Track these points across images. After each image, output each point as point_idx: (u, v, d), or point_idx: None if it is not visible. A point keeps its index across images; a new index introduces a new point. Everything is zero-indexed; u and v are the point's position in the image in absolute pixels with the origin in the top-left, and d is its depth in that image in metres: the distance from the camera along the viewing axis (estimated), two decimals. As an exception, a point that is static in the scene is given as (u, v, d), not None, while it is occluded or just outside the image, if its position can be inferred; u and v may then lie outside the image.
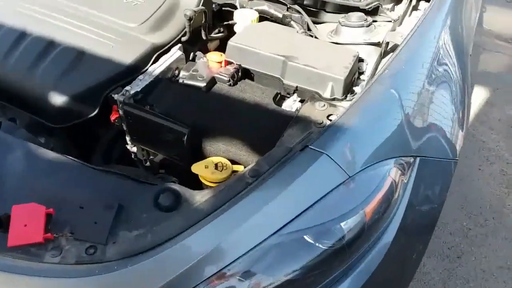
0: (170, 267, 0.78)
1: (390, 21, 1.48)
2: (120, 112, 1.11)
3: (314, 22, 1.57)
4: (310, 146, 0.90)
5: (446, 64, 1.27)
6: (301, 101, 1.20)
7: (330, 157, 0.88)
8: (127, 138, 1.18)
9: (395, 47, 1.26)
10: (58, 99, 1.16)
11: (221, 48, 1.61)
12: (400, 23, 1.42)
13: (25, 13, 1.32)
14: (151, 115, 1.05)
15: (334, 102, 1.07)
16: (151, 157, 1.19)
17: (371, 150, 0.95)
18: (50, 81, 1.18)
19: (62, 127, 1.18)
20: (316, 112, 1.04)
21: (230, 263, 0.80)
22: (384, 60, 1.25)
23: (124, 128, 1.15)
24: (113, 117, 1.19)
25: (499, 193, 2.36)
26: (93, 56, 1.21)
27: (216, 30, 1.54)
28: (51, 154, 0.94)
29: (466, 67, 1.49)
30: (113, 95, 1.11)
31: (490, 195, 2.33)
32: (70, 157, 0.95)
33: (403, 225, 1.05)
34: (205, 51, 1.49)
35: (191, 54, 1.39)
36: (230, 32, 1.59)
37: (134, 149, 1.21)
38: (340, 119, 0.95)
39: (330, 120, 1.02)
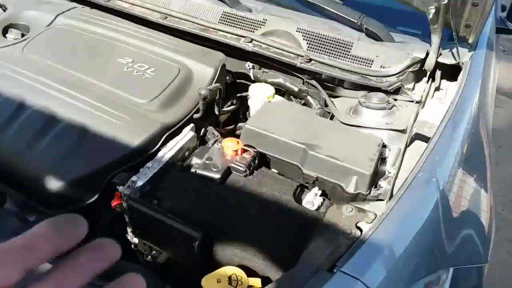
0: None
1: (412, 102, 1.42)
2: (124, 205, 1.01)
3: (331, 96, 1.51)
4: (341, 269, 0.79)
5: (480, 155, 1.19)
6: (323, 193, 1.10)
7: (365, 284, 0.77)
8: (129, 230, 1.07)
9: (421, 136, 1.18)
10: (55, 182, 1.05)
11: (232, 119, 1.54)
12: (423, 106, 1.36)
13: (25, 82, 1.24)
14: (159, 214, 0.94)
15: (361, 206, 0.96)
16: (154, 252, 1.07)
17: (408, 272, 0.84)
18: (48, 162, 1.08)
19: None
20: (344, 218, 0.93)
21: None
22: (410, 150, 1.17)
23: (126, 220, 1.04)
24: (114, 203, 1.08)
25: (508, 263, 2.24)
26: (97, 136, 1.12)
27: (229, 103, 1.46)
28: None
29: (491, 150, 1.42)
30: (118, 187, 1.01)
31: (500, 264, 2.21)
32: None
33: None
34: (216, 124, 1.42)
35: (202, 130, 1.30)
36: (242, 104, 1.52)
37: (135, 240, 1.09)
38: (372, 234, 0.85)
39: (359, 228, 0.91)
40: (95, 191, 1.07)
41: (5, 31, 1.51)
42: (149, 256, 1.09)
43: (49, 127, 1.14)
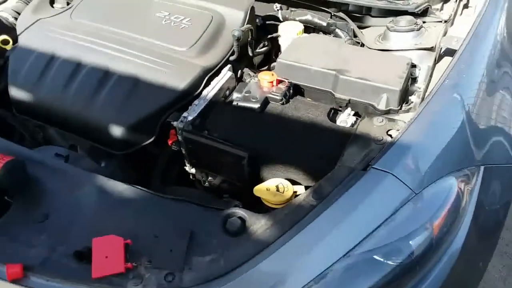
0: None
1: (440, 22, 1.43)
2: (179, 138, 1.15)
3: (359, 27, 1.55)
4: (373, 166, 0.89)
5: (506, 65, 1.21)
6: (356, 114, 1.19)
7: (395, 176, 0.87)
8: (186, 162, 1.22)
9: (449, 51, 1.22)
10: (117, 128, 1.21)
11: (265, 61, 1.63)
12: (452, 24, 1.37)
13: (78, 44, 1.38)
14: (210, 141, 1.08)
15: (392, 116, 1.05)
16: (210, 178, 1.22)
17: (436, 165, 0.93)
18: (109, 111, 1.24)
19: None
20: (375, 128, 1.03)
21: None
22: (440, 66, 1.21)
23: (183, 152, 1.19)
24: (170, 141, 1.23)
25: None
26: (149, 83, 1.26)
27: (261, 45, 1.55)
28: (121, 186, 0.99)
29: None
30: (172, 122, 1.15)
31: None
32: (140, 188, 1.00)
33: (470, 234, 1.02)
34: (252, 65, 1.51)
35: (239, 72, 1.41)
36: (274, 45, 1.60)
37: (193, 170, 1.25)
38: (402, 136, 0.94)
39: (390, 136, 1.01)
40: (153, 132, 1.23)
41: (52, 2, 1.65)
42: (206, 183, 1.24)
43: (105, 80, 1.29)
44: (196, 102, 1.20)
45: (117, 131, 1.21)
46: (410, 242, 0.88)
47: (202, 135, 1.10)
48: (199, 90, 1.27)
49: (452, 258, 0.99)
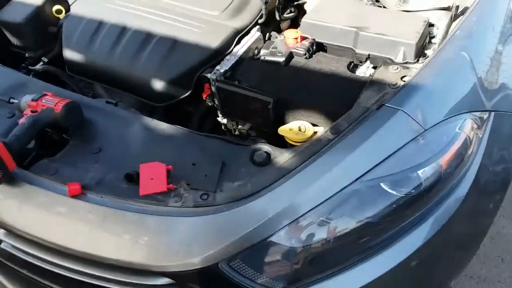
0: (267, 209, 0.93)
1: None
2: (213, 88, 1.29)
3: (382, -8, 1.62)
4: (386, 104, 0.99)
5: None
6: (374, 67, 1.28)
7: (406, 112, 0.97)
8: (219, 112, 1.36)
9: (465, 9, 1.29)
10: (159, 82, 1.36)
11: (293, 26, 1.73)
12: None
13: (123, 10, 1.53)
14: (240, 89, 1.21)
15: (407, 65, 1.14)
16: (240, 126, 1.35)
17: (445, 106, 1.02)
18: (151, 68, 1.39)
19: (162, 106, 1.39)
20: (390, 74, 1.12)
21: (315, 207, 0.92)
22: (455, 23, 1.28)
23: (216, 103, 1.33)
24: (205, 95, 1.37)
25: None
26: (185, 43, 1.40)
27: (288, 10, 1.65)
28: (163, 125, 1.14)
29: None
30: (206, 75, 1.29)
31: None
32: (179, 126, 1.14)
33: (477, 179, 1.10)
34: (279, 30, 1.62)
35: (267, 35, 1.52)
36: (300, 11, 1.70)
37: (224, 121, 1.38)
38: (414, 79, 1.03)
39: (404, 81, 1.10)
40: (190, 86, 1.37)
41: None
42: (237, 131, 1.38)
43: (147, 41, 1.43)
44: (228, 57, 1.33)
45: (158, 85, 1.36)
46: (419, 172, 0.97)
47: (233, 84, 1.23)
48: (230, 49, 1.40)
49: (459, 198, 1.08)
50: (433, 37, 1.33)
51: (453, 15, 1.31)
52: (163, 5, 1.53)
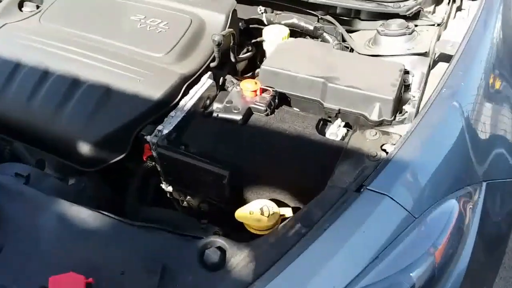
0: None
1: (433, 25, 1.35)
2: (154, 154, 1.05)
3: (348, 31, 1.46)
4: (368, 187, 0.80)
5: (502, 71, 1.14)
6: (346, 125, 1.10)
7: (393, 199, 0.78)
8: (162, 179, 1.12)
9: (444, 56, 1.14)
10: (86, 142, 1.10)
11: (249, 67, 1.53)
12: (445, 27, 1.30)
13: (46, 50, 1.27)
14: (187, 157, 0.98)
15: (386, 129, 0.96)
16: (189, 197, 1.11)
17: (436, 185, 0.84)
18: (77, 124, 1.12)
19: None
20: (368, 142, 0.94)
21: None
22: (434, 72, 1.13)
23: (158, 169, 1.08)
24: (145, 156, 1.12)
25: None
26: (121, 93, 1.15)
27: (244, 50, 1.45)
28: (86, 212, 0.88)
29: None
30: (145, 137, 1.04)
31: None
32: (106, 213, 0.88)
33: (475, 253, 0.94)
34: (235, 72, 1.42)
35: (221, 79, 1.31)
36: (258, 49, 1.50)
37: (170, 188, 1.14)
38: (398, 151, 0.85)
39: (385, 151, 0.92)
40: (125, 146, 1.11)
41: (20, 5, 1.53)
42: (185, 202, 1.14)
43: (74, 89, 1.17)
44: (172, 113, 1.10)
45: (84, 146, 1.10)
46: (411, 274, 0.79)
47: (178, 151, 1.00)
48: (176, 100, 1.16)
49: (457, 281, 0.91)
50: (409, 85, 1.18)
51: (431, 63, 1.16)
52: (95, 44, 1.27)
